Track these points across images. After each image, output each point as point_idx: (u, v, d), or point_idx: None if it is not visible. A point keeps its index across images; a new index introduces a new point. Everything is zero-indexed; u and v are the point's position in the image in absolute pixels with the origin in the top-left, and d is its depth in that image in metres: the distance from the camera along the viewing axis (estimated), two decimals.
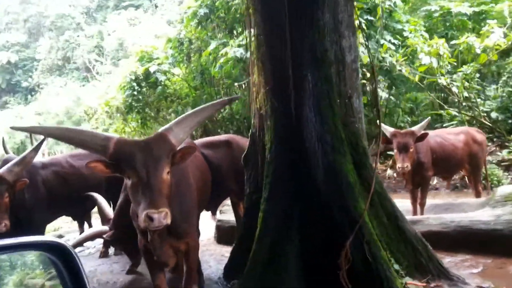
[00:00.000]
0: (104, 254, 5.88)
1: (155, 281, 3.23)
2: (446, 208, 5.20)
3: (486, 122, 8.26)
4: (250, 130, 4.27)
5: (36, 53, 33.38)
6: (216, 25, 9.50)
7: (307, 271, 3.54)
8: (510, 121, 8.17)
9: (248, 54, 7.74)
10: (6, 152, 5.70)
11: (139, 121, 10.14)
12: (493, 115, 8.24)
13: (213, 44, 8.68)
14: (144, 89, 9.85)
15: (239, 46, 7.89)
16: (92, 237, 4.92)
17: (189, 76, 10.15)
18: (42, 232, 5.02)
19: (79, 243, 4.71)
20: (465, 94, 8.30)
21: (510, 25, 7.74)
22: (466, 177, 6.03)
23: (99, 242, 6.70)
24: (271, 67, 3.69)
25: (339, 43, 3.62)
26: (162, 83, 9.88)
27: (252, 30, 3.91)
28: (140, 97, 9.71)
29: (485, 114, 8.37)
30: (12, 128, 3.12)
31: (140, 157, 2.51)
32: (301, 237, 3.58)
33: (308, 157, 3.53)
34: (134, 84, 9.55)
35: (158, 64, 9.73)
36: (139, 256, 4.95)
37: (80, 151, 5.83)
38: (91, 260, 5.86)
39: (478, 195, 5.45)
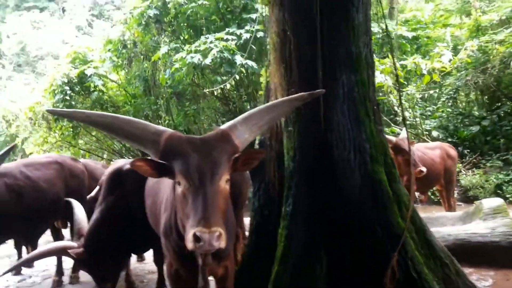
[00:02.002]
0: (58, 283, 4.93)
1: None
2: (426, 222, 5.25)
3: (428, 140, 8.72)
4: (258, 138, 3.85)
5: None
6: (162, 29, 8.87)
7: None
8: (449, 139, 8.74)
9: (207, 61, 7.35)
10: None
11: (70, 130, 8.96)
12: (434, 133, 8.75)
13: (164, 49, 8.03)
14: (76, 95, 8.75)
15: (196, 51, 7.39)
16: (53, 253, 4.09)
17: (128, 82, 9.28)
18: None
19: (35, 259, 3.93)
20: (407, 113, 8.72)
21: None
22: (438, 191, 6.19)
23: (42, 269, 5.66)
24: (297, 67, 3.34)
25: (369, 46, 3.42)
26: (98, 89, 8.89)
27: (272, 26, 3.52)
28: (73, 102, 8.59)
29: (427, 133, 8.84)
30: (49, 111, 2.32)
31: (195, 159, 2.00)
32: (329, 256, 3.24)
33: (339, 167, 3.22)
34: (67, 88, 8.43)
35: (94, 67, 8.75)
36: (113, 283, 4.22)
37: (33, 159, 4.88)
38: None
39: (450, 209, 5.60)
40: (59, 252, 4.01)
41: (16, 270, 3.83)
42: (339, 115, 3.22)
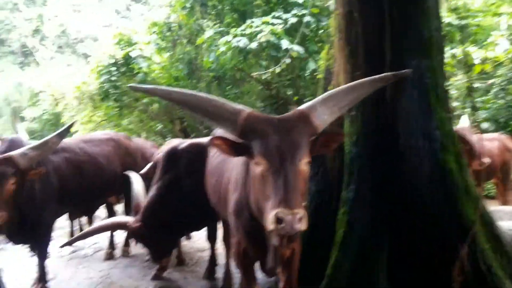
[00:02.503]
0: (110, 256, 5.10)
1: None
2: None
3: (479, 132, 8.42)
4: None
5: None
6: (206, 12, 8.85)
7: (399, 286, 3.14)
8: (500, 132, 8.40)
9: (253, 45, 7.29)
10: (16, 130, 4.76)
11: (116, 110, 9.15)
12: (484, 125, 8.42)
13: (209, 32, 8.02)
14: (122, 76, 8.90)
15: (242, 35, 7.34)
16: (112, 227, 4.23)
17: (172, 65, 9.36)
18: (50, 230, 4.17)
19: (95, 232, 4.04)
20: (456, 103, 8.42)
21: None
22: (495, 184, 5.99)
23: (93, 242, 5.84)
24: (364, 51, 3.24)
25: (439, 31, 3.28)
26: (142, 71, 9.01)
27: (338, 8, 3.42)
28: (118, 83, 8.76)
29: (476, 124, 8.52)
30: (131, 87, 2.36)
31: (275, 139, 1.96)
32: (392, 244, 3.17)
33: (406, 155, 3.12)
34: (113, 68, 8.59)
35: (139, 50, 8.86)
36: (168, 259, 4.32)
37: (92, 136, 5.01)
38: (94, 263, 5.06)
39: (505, 203, 5.40)
40: (118, 227, 4.13)
41: (74, 242, 3.96)
42: (408, 101, 3.12)
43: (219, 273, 4.41)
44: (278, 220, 1.82)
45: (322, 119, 2.10)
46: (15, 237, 3.90)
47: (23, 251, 5.36)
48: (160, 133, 10.99)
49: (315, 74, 8.03)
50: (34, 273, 4.65)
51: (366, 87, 2.33)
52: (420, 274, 3.03)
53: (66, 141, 4.39)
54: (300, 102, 8.79)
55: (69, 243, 3.89)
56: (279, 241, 2.22)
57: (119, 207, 5.81)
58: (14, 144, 3.82)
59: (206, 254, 5.16)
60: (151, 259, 4.24)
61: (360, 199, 3.28)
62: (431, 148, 3.04)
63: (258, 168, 2.00)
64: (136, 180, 4.33)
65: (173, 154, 4.14)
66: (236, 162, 2.59)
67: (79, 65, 25.21)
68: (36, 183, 3.82)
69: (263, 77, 8.77)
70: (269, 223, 1.86)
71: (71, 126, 4.02)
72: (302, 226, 1.83)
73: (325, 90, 3.81)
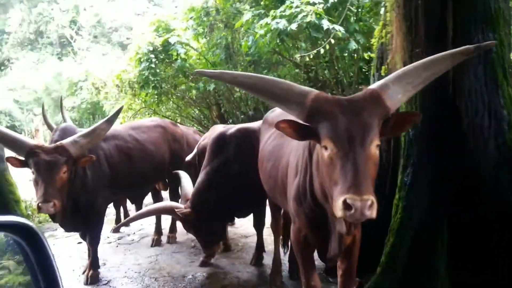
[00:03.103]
0: (157, 242, 5.17)
1: (310, 281, 2.58)
2: None
3: None
4: None
5: (6, 25, 30.97)
6: None
7: (457, 274, 3.00)
8: None
9: (293, 26, 7.12)
10: (64, 119, 4.88)
11: (155, 97, 9.24)
12: None
13: (247, 15, 7.88)
14: (160, 63, 8.93)
15: (281, 17, 7.16)
16: (162, 211, 4.34)
17: (209, 50, 9.31)
18: (102, 217, 4.25)
19: (144, 215, 4.14)
20: None
21: None
22: None
23: (138, 228, 5.95)
24: (424, 26, 3.05)
25: (507, 1, 3.05)
26: (180, 57, 9.01)
27: None
28: (158, 70, 8.80)
29: None
30: (198, 72, 2.35)
31: (343, 122, 1.86)
32: (452, 232, 3.02)
33: (470, 135, 2.95)
34: (152, 56, 8.64)
35: (178, 36, 8.86)
36: (216, 246, 4.32)
37: (140, 123, 5.06)
38: (142, 249, 5.15)
39: None
40: (167, 212, 4.17)
41: (124, 225, 4.02)
42: (472, 77, 2.93)
43: (266, 260, 4.39)
44: (347, 207, 1.74)
45: (395, 99, 1.97)
46: (68, 225, 3.97)
47: (70, 237, 5.55)
48: (197, 119, 11.03)
49: (355, 55, 7.82)
50: (82, 260, 4.78)
51: (444, 63, 2.13)
52: (481, 263, 2.88)
53: (116, 128, 4.45)
54: (338, 84, 8.57)
55: (121, 226, 3.96)
56: (347, 228, 2.16)
57: (165, 194, 5.86)
58: (66, 132, 3.88)
59: (251, 240, 5.17)
60: (202, 246, 4.25)
61: (418, 184, 3.15)
62: (498, 127, 2.86)
63: (325, 152, 1.92)
64: (184, 175, 4.36)
65: (221, 139, 4.11)
66: (296, 146, 2.52)
67: (114, 54, 25.73)
68: (87, 170, 3.88)
69: (301, 59, 8.61)
70: (338, 210, 1.78)
71: (119, 112, 4.04)
72: (372, 213, 1.74)
73: (379, 69, 3.67)
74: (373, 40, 3.81)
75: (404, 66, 3.18)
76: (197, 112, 10.91)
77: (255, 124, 4.37)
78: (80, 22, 30.50)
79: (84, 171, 3.84)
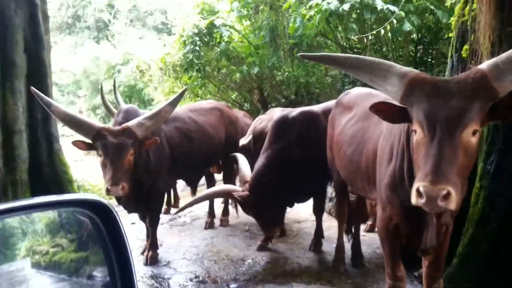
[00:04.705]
0: (210, 225, 5.18)
1: (396, 272, 2.47)
2: None
3: None
4: None
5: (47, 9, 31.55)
6: None
7: None
8: None
9: (345, 7, 6.87)
10: (118, 101, 4.90)
11: (199, 80, 9.20)
12: None
13: None
14: (205, 46, 8.86)
15: None
16: (220, 194, 4.33)
17: (253, 33, 9.16)
18: (163, 199, 4.27)
19: (204, 198, 4.15)
20: None
21: None
22: None
23: (189, 210, 5.95)
24: None
25: None
26: (225, 40, 8.91)
27: None
28: (202, 53, 8.75)
29: None
30: (301, 56, 2.33)
31: (436, 105, 1.76)
32: None
33: None
34: (197, 38, 8.58)
35: (222, 18, 8.75)
36: (273, 229, 4.28)
37: (197, 105, 5.04)
38: (195, 231, 5.16)
39: None
40: (226, 195, 4.15)
41: (188, 207, 4.01)
42: None
43: (324, 246, 4.32)
44: (420, 195, 1.69)
45: (508, 81, 1.78)
46: (130, 206, 3.99)
47: (123, 218, 5.62)
48: (238, 102, 10.96)
49: (409, 37, 7.49)
50: (137, 240, 4.81)
51: None
52: None
53: (176, 110, 4.43)
54: None
55: (185, 208, 3.97)
56: (436, 218, 2.06)
57: (219, 177, 5.85)
58: (129, 113, 3.87)
59: (304, 225, 5.11)
60: (261, 228, 4.21)
61: (503, 172, 2.96)
62: None
63: (414, 136, 1.86)
64: (241, 158, 4.30)
65: (283, 122, 4.03)
66: (388, 130, 2.40)
67: (150, 37, 25.90)
68: (150, 152, 3.87)
69: (347, 42, 8.35)
70: (412, 196, 1.74)
71: (182, 94, 4.01)
72: (448, 204, 1.66)
73: (458, 50, 3.44)
74: (452, 19, 3.58)
75: (492, 46, 3.00)
76: (237, 95, 10.83)
77: (316, 108, 4.26)
78: (117, 6, 30.81)
79: (147, 153, 3.83)
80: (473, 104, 1.75)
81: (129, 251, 1.26)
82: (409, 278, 3.14)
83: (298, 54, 2.44)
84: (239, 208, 4.27)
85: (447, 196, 1.65)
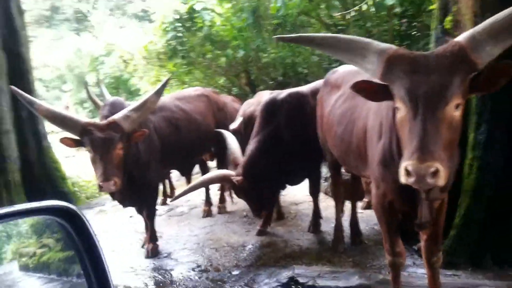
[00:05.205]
0: (208, 213, 5.18)
1: (395, 248, 2.49)
2: None
3: None
4: None
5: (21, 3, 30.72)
6: None
7: None
8: None
9: None
10: (103, 94, 4.84)
11: (184, 67, 9.08)
12: None
13: None
14: (186, 31, 8.71)
15: None
16: (216, 180, 4.29)
17: (234, 15, 9.01)
18: (157, 190, 4.25)
19: (200, 185, 4.09)
20: None
21: None
22: None
23: (186, 199, 5.96)
24: None
25: None
26: (208, 24, 8.76)
27: None
28: (185, 39, 8.61)
29: None
30: (277, 38, 2.26)
31: (417, 80, 1.75)
32: None
33: None
34: (178, 24, 8.43)
35: (202, 2, 8.59)
36: (269, 213, 4.30)
37: (183, 93, 4.99)
38: (194, 220, 5.17)
39: None
40: (221, 180, 4.14)
41: (183, 195, 4.00)
42: None
43: (323, 226, 4.35)
44: (408, 173, 1.69)
45: (485, 52, 1.76)
46: (125, 200, 3.97)
47: (119, 212, 5.59)
48: (225, 87, 10.86)
49: (392, 11, 7.43)
50: (136, 233, 4.82)
51: None
52: None
53: (163, 99, 4.38)
54: None
55: (179, 197, 3.96)
56: (425, 195, 2.04)
57: (212, 164, 5.83)
58: (115, 107, 3.81)
59: (302, 207, 5.14)
60: (252, 213, 4.21)
61: (493, 142, 3.00)
62: None
63: (397, 114, 1.85)
64: (229, 136, 4.27)
65: (272, 105, 4.00)
66: (376, 107, 2.39)
67: (131, 26, 25.41)
68: (139, 145, 3.83)
69: (330, 19, 8.28)
70: (400, 175, 1.74)
71: (166, 83, 3.95)
72: (436, 181, 1.66)
73: (442, 22, 3.43)
74: None
75: (475, 16, 2.99)
76: (224, 80, 10.73)
77: (304, 88, 4.24)
78: None
79: (136, 146, 3.79)
80: (453, 78, 1.73)
81: (101, 254, 1.27)
82: (408, 252, 3.19)
83: (274, 37, 2.38)
84: (234, 194, 4.27)
85: (435, 173, 1.65)
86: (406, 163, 1.70)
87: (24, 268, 1.40)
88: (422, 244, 2.53)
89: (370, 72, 1.94)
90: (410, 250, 3.35)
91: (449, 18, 3.28)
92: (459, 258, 3.06)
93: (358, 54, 1.95)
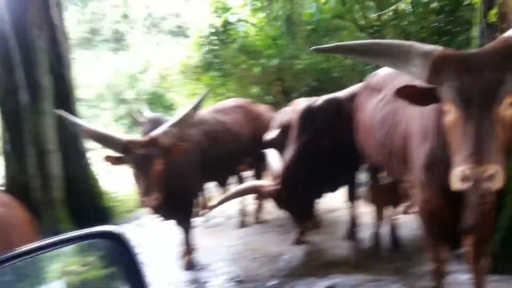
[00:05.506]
0: (244, 223, 5.16)
1: (439, 254, 2.41)
2: None
3: None
4: None
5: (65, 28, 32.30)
6: None
7: None
8: None
9: None
10: (141, 112, 4.97)
11: (219, 78, 9.19)
12: None
13: None
14: (221, 44, 8.83)
15: None
16: (251, 191, 4.22)
17: (268, 24, 9.05)
18: (194, 203, 4.26)
19: (235, 196, 4.10)
20: None
21: None
22: None
23: (222, 210, 5.91)
24: None
25: None
26: (242, 35, 8.84)
27: None
28: (220, 52, 8.73)
29: None
30: (314, 49, 2.24)
31: (468, 81, 1.65)
32: None
33: None
34: (213, 37, 8.56)
35: (236, 14, 8.70)
36: (308, 222, 4.22)
37: (221, 105, 5.03)
38: (230, 231, 5.16)
39: None
40: (253, 191, 4.10)
41: (218, 206, 3.99)
42: None
43: (361, 233, 4.24)
44: (464, 179, 1.59)
45: None
46: (165, 214, 4.01)
47: (160, 225, 5.62)
48: (258, 97, 10.89)
49: (429, 6, 7.18)
50: (174, 246, 4.80)
51: None
52: None
53: (200, 113, 4.44)
54: None
55: (214, 207, 3.95)
56: (476, 201, 1.95)
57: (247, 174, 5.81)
58: (157, 123, 3.85)
59: (338, 214, 5.02)
60: (294, 223, 4.15)
61: None
62: None
63: (448, 116, 1.75)
64: (270, 152, 4.24)
65: (308, 113, 3.96)
66: (418, 111, 2.28)
67: (167, 42, 26.11)
68: (180, 158, 3.85)
69: (366, 21, 8.13)
70: (454, 181, 1.64)
71: (204, 97, 3.97)
72: (493, 185, 1.57)
73: (485, 16, 3.25)
74: None
75: None
76: (257, 89, 10.76)
77: (341, 93, 4.15)
78: (131, 15, 31.20)
79: (176, 160, 3.82)
80: (506, 75, 1.64)
81: (144, 276, 1.35)
82: (452, 258, 3.02)
83: (310, 48, 2.33)
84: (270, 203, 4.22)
85: (493, 176, 1.56)
86: (461, 168, 1.60)
87: (70, 285, 1.43)
88: (467, 249, 2.39)
89: (415, 76, 1.87)
90: (453, 255, 3.19)
91: (494, 11, 3.10)
92: (505, 265, 2.87)
93: (400, 58, 1.89)
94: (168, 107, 14.78)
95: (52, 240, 1.32)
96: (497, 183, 1.57)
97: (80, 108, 7.01)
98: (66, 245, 1.40)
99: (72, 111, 5.65)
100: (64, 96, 6.09)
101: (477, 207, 2.02)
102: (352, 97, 3.81)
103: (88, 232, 1.38)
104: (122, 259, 1.35)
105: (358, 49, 2.08)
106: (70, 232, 1.38)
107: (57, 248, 1.35)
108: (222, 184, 5.22)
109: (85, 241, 1.44)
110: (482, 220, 2.11)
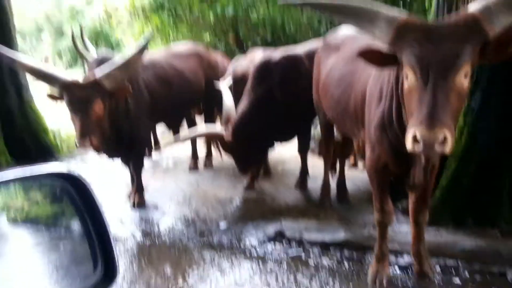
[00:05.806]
0: (194, 167, 5.21)
1: (384, 207, 2.58)
2: None
3: None
4: None
5: None
6: None
7: None
8: None
9: None
10: (87, 48, 4.74)
11: (171, 21, 8.82)
12: None
13: None
14: None
15: None
16: (205, 136, 4.34)
17: None
18: (145, 144, 4.26)
19: (191, 137, 4.26)
20: None
21: None
22: None
23: (170, 154, 5.90)
24: None
25: None
26: None
27: None
28: None
29: None
30: (283, 1, 2.22)
31: (427, 49, 1.76)
32: None
33: None
34: None
35: None
36: (255, 169, 4.36)
37: (176, 50, 4.90)
38: (179, 174, 5.19)
39: None
40: (213, 136, 4.14)
41: (172, 143, 4.07)
42: None
43: (309, 184, 4.43)
44: (416, 141, 1.72)
45: (497, 22, 1.77)
46: (113, 153, 4.00)
47: (102, 162, 5.50)
48: (212, 44, 10.67)
49: None
50: (120, 185, 4.78)
51: None
52: None
53: (154, 56, 4.41)
54: None
55: (170, 144, 4.03)
56: (425, 161, 2.14)
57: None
58: (105, 62, 3.68)
59: (289, 164, 5.20)
60: (238, 170, 4.25)
61: (486, 110, 3.08)
62: None
63: (406, 81, 1.86)
64: (226, 92, 4.24)
65: (266, 66, 3.98)
66: (375, 73, 2.41)
67: None
68: (129, 99, 3.80)
69: None
70: (408, 142, 1.77)
71: (148, 40, 3.79)
72: (444, 148, 1.71)
73: None
74: None
75: None
76: (211, 37, 10.51)
77: (299, 50, 4.19)
78: None
79: (126, 100, 3.77)
80: (465, 48, 1.75)
81: (104, 217, 1.29)
82: (396, 209, 3.29)
83: (279, 2, 2.32)
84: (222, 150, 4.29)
85: (444, 141, 1.69)
86: (415, 130, 1.71)
87: (13, 220, 1.39)
88: (410, 203, 2.63)
89: (378, 38, 1.95)
90: (395, 208, 3.48)
91: None
92: (442, 218, 3.17)
93: (367, 21, 1.95)
94: (114, 46, 14.04)
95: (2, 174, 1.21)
96: (447, 147, 1.70)
97: (18, 39, 6.47)
98: (19, 183, 1.32)
99: (10, 43, 5.30)
100: (1, 26, 5.63)
101: (425, 167, 2.22)
102: (310, 54, 3.88)
103: (43, 173, 1.28)
104: (78, 200, 1.29)
105: (327, 5, 2.11)
106: (20, 169, 1.23)
107: (5, 184, 1.26)
108: (174, 128, 5.21)
109: (37, 180, 1.35)
110: (427, 178, 2.33)
